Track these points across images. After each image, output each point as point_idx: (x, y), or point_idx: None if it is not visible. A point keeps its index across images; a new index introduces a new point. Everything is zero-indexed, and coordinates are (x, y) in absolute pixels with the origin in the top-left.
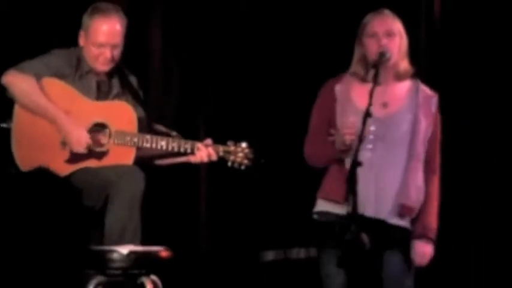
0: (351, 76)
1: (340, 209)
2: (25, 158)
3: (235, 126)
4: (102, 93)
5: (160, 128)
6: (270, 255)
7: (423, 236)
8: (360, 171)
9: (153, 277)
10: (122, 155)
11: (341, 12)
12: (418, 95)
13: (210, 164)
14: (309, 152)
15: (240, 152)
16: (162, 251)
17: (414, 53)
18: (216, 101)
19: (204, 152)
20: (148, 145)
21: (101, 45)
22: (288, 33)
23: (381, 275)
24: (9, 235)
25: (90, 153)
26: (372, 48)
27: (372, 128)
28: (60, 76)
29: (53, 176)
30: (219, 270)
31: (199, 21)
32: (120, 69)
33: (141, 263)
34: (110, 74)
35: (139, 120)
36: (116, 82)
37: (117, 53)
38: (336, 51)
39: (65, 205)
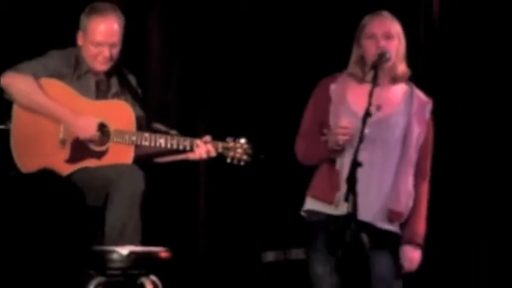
0: (347, 76)
1: (329, 209)
2: (24, 159)
3: (235, 125)
4: (101, 93)
5: (159, 126)
6: (270, 256)
7: (412, 242)
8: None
9: (153, 277)
10: (121, 154)
11: (340, 12)
12: (412, 100)
13: (210, 163)
14: (300, 150)
15: (239, 147)
16: (162, 252)
17: (412, 53)
18: (216, 100)
19: (203, 148)
20: (147, 143)
21: (99, 45)
22: (287, 33)
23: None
24: (10, 236)
25: (90, 153)
26: (370, 49)
27: (360, 131)
28: (59, 76)
29: (55, 175)
30: (219, 270)
31: (198, 20)
32: (118, 68)
33: (140, 264)
34: (108, 74)
35: (138, 119)
36: (114, 81)
37: (115, 52)
38: (335, 50)
39: (65, 205)
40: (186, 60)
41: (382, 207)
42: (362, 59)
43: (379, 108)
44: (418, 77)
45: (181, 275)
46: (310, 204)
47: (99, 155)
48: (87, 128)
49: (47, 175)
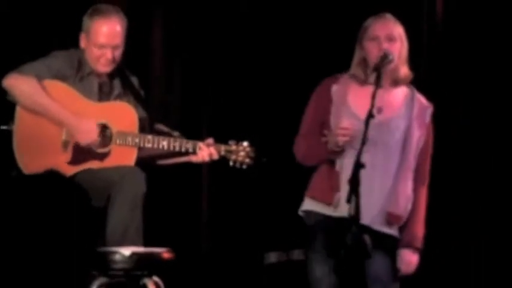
0: (349, 78)
1: (327, 210)
2: (27, 160)
3: (237, 125)
4: (103, 95)
5: (162, 127)
6: (272, 257)
7: (410, 245)
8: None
9: (156, 278)
10: (123, 156)
11: (342, 14)
12: (413, 103)
13: (212, 165)
14: (300, 150)
15: (242, 151)
16: (165, 253)
17: (415, 53)
18: (217, 101)
19: (205, 151)
20: (149, 145)
21: (101, 47)
22: (288, 33)
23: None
24: (12, 236)
25: (92, 154)
26: (372, 51)
27: (363, 134)
28: (62, 78)
29: (60, 176)
30: (221, 271)
31: (200, 21)
32: (121, 70)
33: (143, 264)
34: (111, 75)
35: (141, 120)
36: (117, 83)
37: (118, 53)
38: (336, 51)
39: (68, 206)
40: (187, 60)
41: (382, 210)
42: (364, 61)
43: (380, 110)
44: (420, 77)
45: (183, 276)
46: (309, 204)
47: (102, 156)
48: (89, 133)
49: (50, 176)
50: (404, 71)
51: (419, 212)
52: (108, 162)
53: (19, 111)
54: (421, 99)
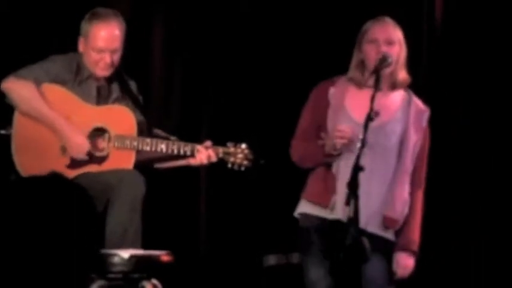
0: (346, 81)
1: (324, 212)
2: (25, 164)
3: (237, 125)
4: (102, 98)
5: (160, 132)
6: (271, 260)
7: (406, 249)
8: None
9: (154, 281)
10: (122, 159)
11: (340, 15)
12: (410, 108)
13: (210, 167)
14: (297, 152)
15: (240, 153)
16: (163, 255)
17: (416, 55)
18: (217, 101)
19: (204, 154)
20: (148, 148)
21: (100, 51)
22: (289, 34)
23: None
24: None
25: (91, 158)
26: (370, 54)
27: (362, 136)
28: (60, 82)
29: (59, 178)
30: (220, 274)
31: (201, 21)
32: (119, 74)
33: (142, 267)
34: (109, 79)
35: (139, 124)
36: (115, 87)
37: (116, 58)
38: (337, 52)
39: (68, 208)
40: (188, 60)
41: (378, 214)
42: (362, 64)
43: (377, 114)
44: (420, 78)
45: (182, 279)
46: (305, 207)
47: (100, 160)
48: (78, 148)
49: (50, 178)
50: (402, 75)
51: (415, 216)
52: (106, 166)
53: (17, 116)
54: (418, 103)
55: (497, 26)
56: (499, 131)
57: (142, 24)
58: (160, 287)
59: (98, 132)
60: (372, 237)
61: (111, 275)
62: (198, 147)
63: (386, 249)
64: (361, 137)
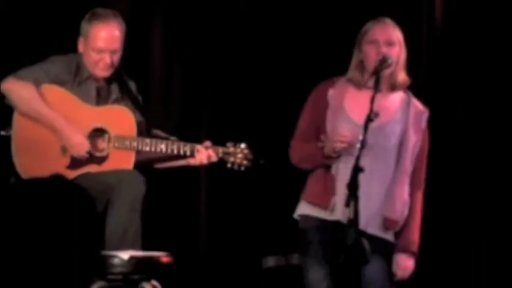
0: (346, 82)
1: (323, 214)
2: (26, 165)
3: (237, 125)
4: (101, 99)
5: (159, 133)
6: (270, 261)
7: (406, 250)
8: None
9: (154, 282)
10: (121, 160)
11: (340, 16)
12: (409, 109)
13: (210, 167)
14: (296, 153)
15: (240, 153)
16: (163, 256)
17: (416, 54)
18: (217, 101)
19: (203, 154)
20: (148, 148)
21: (100, 51)
22: (288, 34)
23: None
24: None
25: (91, 159)
26: (370, 55)
27: (361, 137)
28: (60, 83)
29: (60, 179)
30: (219, 275)
31: (200, 21)
32: (119, 74)
33: (141, 268)
34: (109, 80)
35: (139, 125)
36: (115, 88)
37: (116, 58)
38: (336, 52)
39: (69, 209)
40: (187, 60)
41: (378, 215)
42: (362, 65)
43: (376, 115)
44: (420, 78)
45: (182, 280)
46: (305, 208)
47: (100, 160)
48: (78, 147)
49: (51, 179)
50: (402, 76)
51: (415, 217)
52: (106, 166)
53: (17, 117)
54: (417, 104)
55: (497, 26)
56: (499, 131)
57: (142, 25)
58: None
59: (98, 133)
60: (372, 238)
61: (111, 276)
62: (198, 147)
63: (386, 250)
64: (360, 138)
